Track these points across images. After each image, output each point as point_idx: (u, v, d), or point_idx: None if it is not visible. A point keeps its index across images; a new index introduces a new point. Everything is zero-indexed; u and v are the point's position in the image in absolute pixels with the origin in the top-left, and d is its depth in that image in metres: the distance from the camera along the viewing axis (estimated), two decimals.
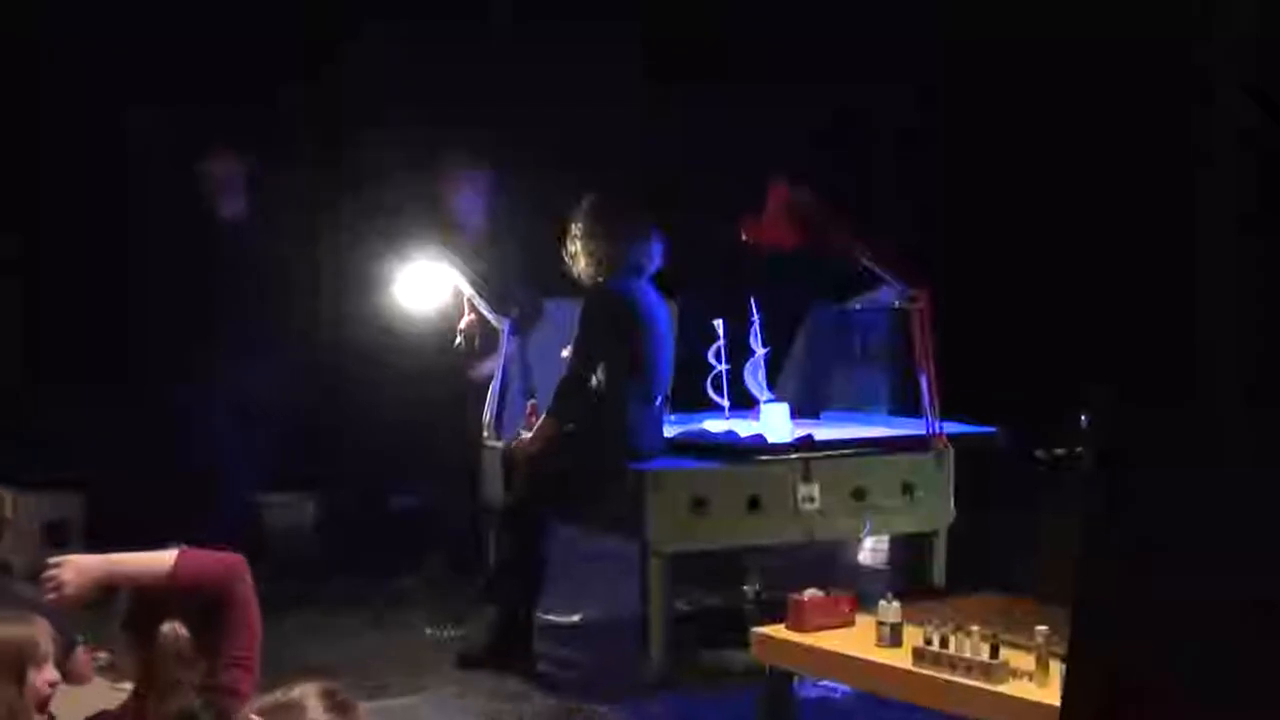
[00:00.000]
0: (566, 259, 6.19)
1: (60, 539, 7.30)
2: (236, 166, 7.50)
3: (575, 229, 6.16)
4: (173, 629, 3.07)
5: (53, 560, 3.27)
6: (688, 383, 6.70)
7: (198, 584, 3.22)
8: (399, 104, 8.53)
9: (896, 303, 6.70)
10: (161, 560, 3.25)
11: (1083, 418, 5.35)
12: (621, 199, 6.30)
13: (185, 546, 3.29)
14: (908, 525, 6.43)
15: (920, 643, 4.49)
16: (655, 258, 6.17)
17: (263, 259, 7.52)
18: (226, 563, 3.27)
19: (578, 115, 8.80)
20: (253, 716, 2.78)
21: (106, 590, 3.27)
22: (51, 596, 3.23)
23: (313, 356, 8.80)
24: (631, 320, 6.06)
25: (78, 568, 3.23)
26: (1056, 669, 4.14)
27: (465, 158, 7.54)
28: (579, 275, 6.18)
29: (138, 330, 7.64)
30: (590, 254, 6.11)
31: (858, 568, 7.67)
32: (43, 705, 3.12)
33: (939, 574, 6.40)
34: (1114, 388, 2.61)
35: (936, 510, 6.36)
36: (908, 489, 6.29)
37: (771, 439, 6.23)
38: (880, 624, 4.70)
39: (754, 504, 6.03)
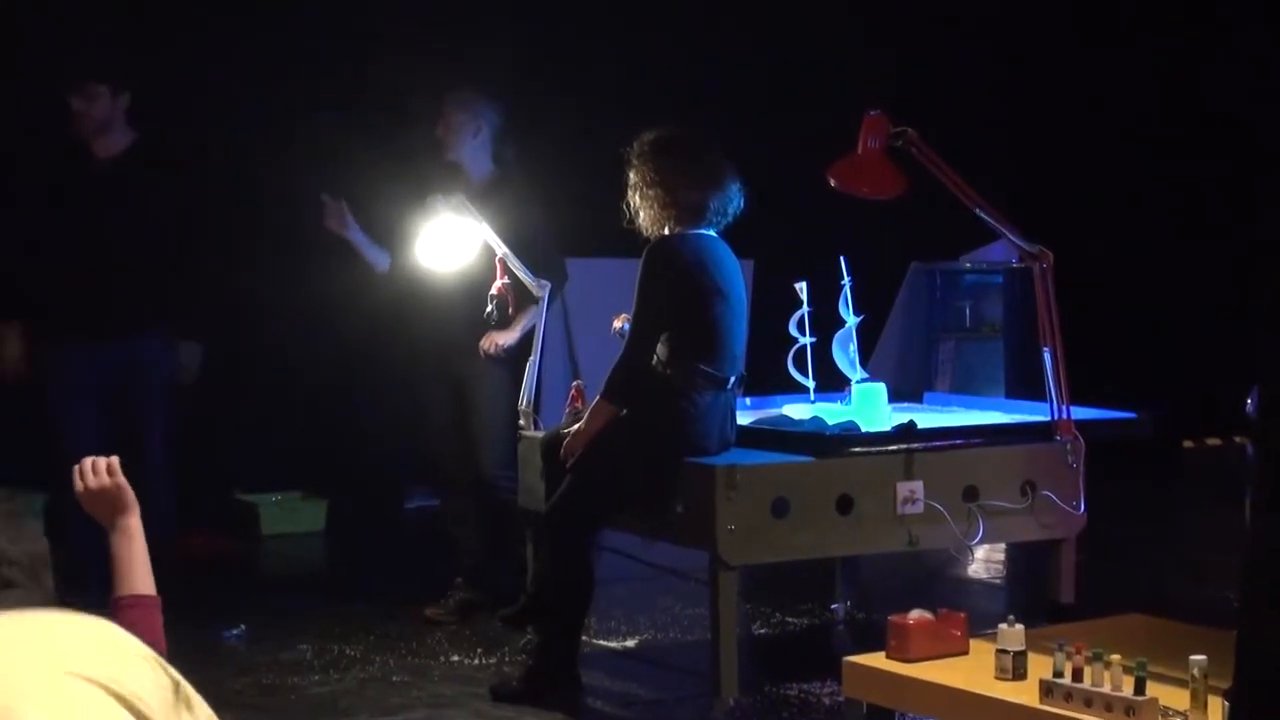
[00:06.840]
0: (627, 212, 6.13)
1: None
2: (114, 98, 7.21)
3: (634, 175, 6.08)
4: None
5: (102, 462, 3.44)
6: (764, 360, 6.66)
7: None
8: (418, 23, 8.52)
9: (1015, 262, 6.64)
10: (143, 581, 3.35)
11: (1249, 401, 5.29)
12: (690, 135, 6.23)
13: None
14: (1030, 531, 6.37)
15: (1049, 675, 4.46)
16: (731, 207, 6.11)
17: (246, 210, 7.47)
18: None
19: (634, 36, 8.77)
20: None
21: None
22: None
23: (315, 330, 8.82)
24: (701, 281, 5.99)
25: (112, 486, 3.41)
26: (1217, 707, 4.10)
27: (497, 88, 7.47)
28: (645, 232, 6.11)
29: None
30: (652, 203, 6.04)
31: (970, 583, 7.63)
32: None
33: (1068, 591, 6.34)
34: None
35: (1064, 513, 6.31)
36: (1029, 487, 6.24)
37: (865, 427, 6.18)
38: (1000, 652, 4.67)
39: (844, 506, 5.99)
